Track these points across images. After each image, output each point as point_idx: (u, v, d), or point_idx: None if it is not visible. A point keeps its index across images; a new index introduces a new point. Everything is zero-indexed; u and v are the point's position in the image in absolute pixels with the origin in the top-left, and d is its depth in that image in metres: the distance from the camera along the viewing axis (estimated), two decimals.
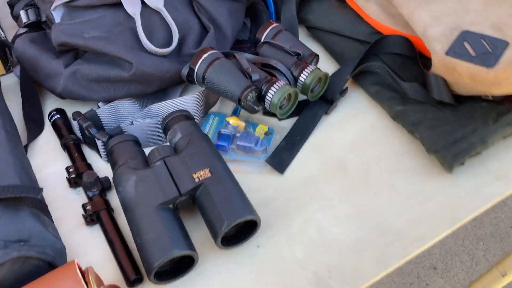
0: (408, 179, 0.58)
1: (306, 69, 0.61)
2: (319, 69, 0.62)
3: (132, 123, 0.60)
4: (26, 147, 0.62)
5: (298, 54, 0.63)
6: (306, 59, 0.63)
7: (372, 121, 0.64)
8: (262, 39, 0.66)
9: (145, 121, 0.60)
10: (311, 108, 0.64)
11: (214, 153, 0.54)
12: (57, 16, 0.62)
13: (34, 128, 0.63)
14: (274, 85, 0.58)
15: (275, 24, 0.66)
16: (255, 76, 0.58)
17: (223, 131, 0.61)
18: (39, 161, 0.61)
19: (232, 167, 0.55)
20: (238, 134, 0.61)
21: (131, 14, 0.62)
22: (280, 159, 0.60)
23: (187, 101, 0.62)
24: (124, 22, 0.62)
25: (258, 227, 0.52)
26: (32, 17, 0.67)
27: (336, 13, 0.71)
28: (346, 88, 0.66)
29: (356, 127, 0.63)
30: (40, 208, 0.51)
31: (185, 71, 0.61)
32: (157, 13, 0.64)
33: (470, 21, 0.59)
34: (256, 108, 0.60)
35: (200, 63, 0.59)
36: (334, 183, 0.58)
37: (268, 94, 0.58)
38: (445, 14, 0.60)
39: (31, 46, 0.63)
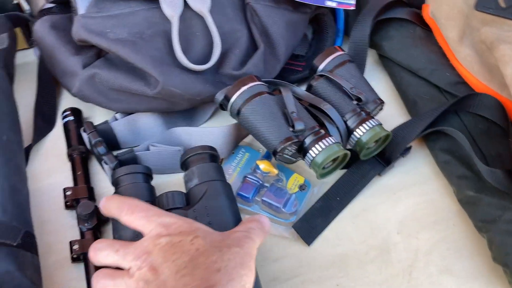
0: (460, 286, 0.47)
1: (365, 124, 0.49)
2: (381, 125, 0.50)
3: (148, 149, 0.52)
4: (29, 147, 0.54)
5: (359, 100, 0.51)
6: (368, 106, 0.51)
7: (433, 196, 0.52)
8: (321, 68, 0.54)
9: (163, 148, 0.51)
10: (361, 165, 0.53)
11: (232, 216, 0.45)
12: (83, 3, 0.52)
13: (42, 126, 0.56)
14: (321, 142, 0.47)
15: (340, 53, 0.53)
16: (299, 126, 0.47)
17: (250, 177, 0.51)
18: (42, 168, 0.54)
19: None
20: (266, 184, 0.51)
21: (168, 16, 0.52)
22: (310, 226, 0.50)
23: (216, 132, 0.52)
24: (159, 24, 0.52)
25: None
26: None
27: (418, 46, 0.58)
28: (410, 148, 0.54)
29: (412, 200, 0.52)
30: (22, 243, 0.44)
31: (219, 96, 0.50)
32: (200, 17, 0.53)
33: None
34: (294, 159, 0.50)
35: (238, 95, 0.49)
36: (369, 271, 0.48)
37: (312, 150, 0.47)
38: None
39: (50, 33, 0.54)
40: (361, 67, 0.59)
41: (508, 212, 0.47)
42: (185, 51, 0.52)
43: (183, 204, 0.45)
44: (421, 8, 0.60)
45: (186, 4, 0.53)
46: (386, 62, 0.61)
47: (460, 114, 0.54)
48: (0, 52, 0.53)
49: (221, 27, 0.53)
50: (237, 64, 0.54)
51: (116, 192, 0.47)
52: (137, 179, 0.47)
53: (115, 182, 0.48)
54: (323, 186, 0.53)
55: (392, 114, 0.58)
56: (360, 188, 0.52)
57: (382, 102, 0.52)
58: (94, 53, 0.53)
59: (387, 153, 0.53)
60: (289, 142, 0.47)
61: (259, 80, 0.50)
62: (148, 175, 0.48)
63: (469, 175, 0.50)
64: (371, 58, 0.63)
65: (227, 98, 0.50)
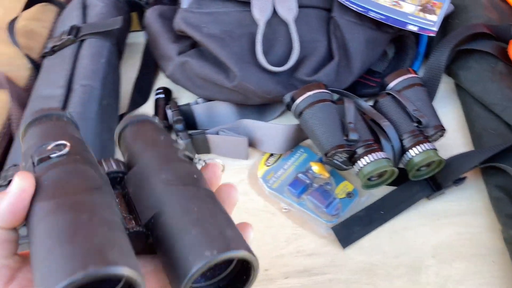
0: None
1: (419, 146, 0.51)
2: (436, 151, 0.51)
3: (218, 133, 0.58)
4: (123, 115, 0.64)
5: (419, 122, 0.53)
6: (428, 130, 0.53)
7: (478, 229, 0.52)
8: (390, 86, 0.56)
9: (230, 135, 0.58)
10: (411, 185, 0.55)
11: None
12: None
13: (138, 98, 0.65)
14: (371, 154, 0.50)
15: (411, 75, 0.56)
16: (353, 136, 0.50)
17: (301, 176, 0.55)
18: None
19: (297, 216, 0.51)
20: (315, 185, 0.55)
21: (256, 19, 0.58)
22: (349, 231, 0.53)
23: (279, 128, 0.57)
24: (247, 26, 0.58)
25: (252, 276, 0.28)
26: None
27: (496, 81, 0.57)
28: (465, 178, 0.55)
29: (455, 229, 0.53)
30: None
31: (287, 97, 0.55)
32: (285, 24, 0.58)
33: None
34: (344, 167, 0.53)
35: (303, 99, 0.53)
36: (396, 285, 0.50)
37: (360, 161, 0.50)
38: None
39: (157, 21, 0.62)
40: (432, 92, 0.60)
41: None
42: (266, 53, 0.57)
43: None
44: (508, 43, 0.59)
45: (274, 11, 0.58)
46: (461, 92, 0.61)
47: None
48: (114, 31, 0.62)
49: (302, 36, 0.58)
50: (310, 70, 0.58)
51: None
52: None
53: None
54: (370, 197, 0.55)
55: (456, 143, 0.58)
56: (405, 207, 0.54)
57: (443, 129, 0.53)
58: (189, 44, 0.61)
59: (439, 179, 0.54)
60: (340, 149, 0.50)
61: (326, 88, 0.54)
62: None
63: None
64: (448, 85, 0.64)
65: (293, 100, 0.54)
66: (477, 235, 0.52)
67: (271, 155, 0.59)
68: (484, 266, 0.50)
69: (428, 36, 0.63)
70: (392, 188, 0.55)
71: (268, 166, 0.58)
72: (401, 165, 0.54)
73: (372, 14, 0.59)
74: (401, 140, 0.52)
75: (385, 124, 0.52)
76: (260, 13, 0.58)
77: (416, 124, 0.53)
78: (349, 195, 0.55)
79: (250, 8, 0.58)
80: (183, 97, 0.65)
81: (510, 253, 0.49)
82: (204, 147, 0.58)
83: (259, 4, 0.57)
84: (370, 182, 0.52)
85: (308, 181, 0.55)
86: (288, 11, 0.58)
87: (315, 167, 0.56)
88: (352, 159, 0.52)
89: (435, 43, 0.63)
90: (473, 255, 0.51)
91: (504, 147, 0.52)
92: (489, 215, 0.53)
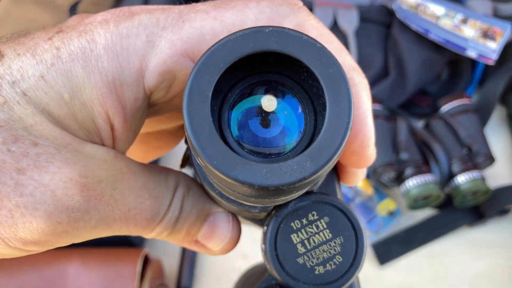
0: None
1: (468, 172, 0.51)
2: (484, 180, 0.51)
3: None
4: None
5: (469, 149, 0.52)
6: (478, 158, 0.53)
7: None
8: (443, 110, 0.56)
9: None
10: (455, 211, 0.54)
11: None
12: None
13: None
14: (420, 176, 0.50)
15: (465, 101, 0.55)
16: (403, 155, 0.51)
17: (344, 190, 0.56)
18: None
19: None
20: (358, 199, 0.55)
21: None
22: (387, 249, 0.53)
23: None
24: None
25: None
26: None
27: None
28: (509, 210, 0.54)
29: (495, 260, 0.52)
30: None
31: None
32: (343, 36, 0.58)
33: None
34: (389, 185, 0.53)
35: None
36: None
37: (408, 181, 0.50)
38: None
39: None
40: (485, 119, 0.59)
41: None
42: None
43: None
44: None
45: (335, 22, 0.58)
46: None
47: None
48: None
49: (360, 49, 0.58)
50: None
51: None
52: None
53: None
54: (411, 219, 0.55)
55: (504, 174, 0.58)
56: (446, 231, 0.54)
57: (492, 158, 0.53)
58: None
59: (484, 208, 0.53)
60: (389, 167, 0.50)
61: (380, 104, 0.54)
62: None
63: None
64: (501, 114, 0.63)
65: None
66: None
67: None
68: None
69: (484, 64, 0.63)
70: (435, 211, 0.55)
71: None
72: (447, 189, 0.53)
73: (432, 36, 0.58)
74: (449, 165, 0.52)
75: (436, 146, 0.52)
76: None
77: (466, 151, 0.53)
78: (391, 213, 0.55)
79: None
80: None
81: None
82: None
83: (320, 13, 0.58)
84: (416, 203, 0.52)
85: (351, 195, 0.55)
86: (349, 24, 0.58)
87: (360, 183, 0.56)
88: (399, 178, 0.52)
89: (491, 71, 0.62)
90: None
91: None
92: None
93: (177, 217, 0.20)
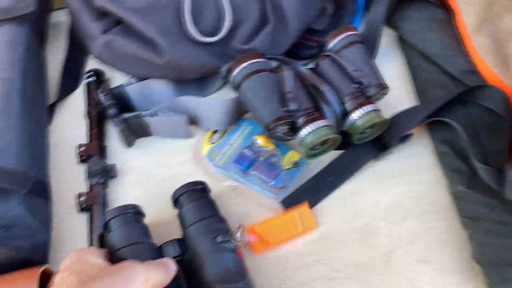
0: (434, 278, 0.47)
1: (361, 108, 0.49)
2: (379, 111, 0.50)
3: (156, 114, 0.55)
4: (55, 103, 0.60)
5: (360, 83, 0.51)
6: (370, 90, 0.51)
7: (426, 186, 0.52)
8: (329, 46, 0.54)
9: (168, 115, 0.55)
10: (357, 148, 0.53)
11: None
12: None
13: (67, 84, 0.61)
14: (312, 123, 0.48)
15: (350, 33, 0.53)
16: (292, 106, 0.48)
17: (246, 151, 0.53)
18: (64, 123, 0.59)
19: (245, 192, 0.51)
20: (261, 158, 0.53)
21: None
22: (298, 202, 0.52)
23: (219, 103, 0.54)
24: None
25: None
26: None
27: (434, 30, 0.55)
28: (411, 135, 0.54)
29: (404, 188, 0.52)
30: (34, 190, 0.49)
31: (223, 70, 0.52)
32: None
33: None
34: (287, 138, 0.51)
35: (239, 71, 0.50)
36: (349, 252, 0.49)
37: (302, 131, 0.48)
38: None
39: None
40: (373, 47, 0.58)
41: (494, 212, 0.46)
42: (196, 23, 0.54)
43: (181, 252, 0.45)
44: None
45: None
46: (404, 45, 0.59)
47: (468, 106, 0.52)
48: (31, 14, 0.57)
49: (233, 0, 0.54)
50: (245, 38, 0.55)
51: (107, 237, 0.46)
52: (129, 220, 0.46)
53: (106, 225, 0.46)
54: (318, 164, 0.54)
55: (401, 99, 0.57)
56: (353, 171, 0.53)
57: (385, 87, 0.52)
58: (114, 20, 0.57)
59: (385, 138, 0.53)
60: (282, 121, 0.48)
61: (262, 57, 0.51)
62: (139, 214, 0.48)
63: (463, 170, 0.49)
64: (390, 38, 0.61)
65: (229, 72, 0.51)
66: (425, 193, 0.52)
67: (216, 131, 0.56)
68: (433, 223, 0.50)
69: None
70: (338, 153, 0.54)
71: (212, 143, 0.55)
72: (345, 128, 0.52)
73: None
74: (342, 104, 0.51)
75: (325, 88, 0.50)
76: None
77: (357, 85, 0.51)
78: (296, 164, 0.53)
79: None
80: (118, 77, 0.61)
81: (457, 207, 0.49)
82: (142, 131, 0.55)
83: None
84: (314, 151, 0.50)
85: (253, 156, 0.53)
86: None
87: (259, 140, 0.54)
88: (293, 129, 0.50)
89: None
90: (423, 212, 0.51)
91: (448, 99, 0.51)
92: (437, 171, 0.53)
93: None
